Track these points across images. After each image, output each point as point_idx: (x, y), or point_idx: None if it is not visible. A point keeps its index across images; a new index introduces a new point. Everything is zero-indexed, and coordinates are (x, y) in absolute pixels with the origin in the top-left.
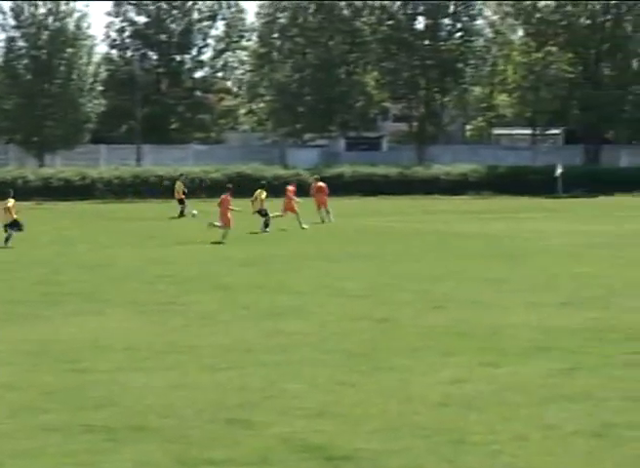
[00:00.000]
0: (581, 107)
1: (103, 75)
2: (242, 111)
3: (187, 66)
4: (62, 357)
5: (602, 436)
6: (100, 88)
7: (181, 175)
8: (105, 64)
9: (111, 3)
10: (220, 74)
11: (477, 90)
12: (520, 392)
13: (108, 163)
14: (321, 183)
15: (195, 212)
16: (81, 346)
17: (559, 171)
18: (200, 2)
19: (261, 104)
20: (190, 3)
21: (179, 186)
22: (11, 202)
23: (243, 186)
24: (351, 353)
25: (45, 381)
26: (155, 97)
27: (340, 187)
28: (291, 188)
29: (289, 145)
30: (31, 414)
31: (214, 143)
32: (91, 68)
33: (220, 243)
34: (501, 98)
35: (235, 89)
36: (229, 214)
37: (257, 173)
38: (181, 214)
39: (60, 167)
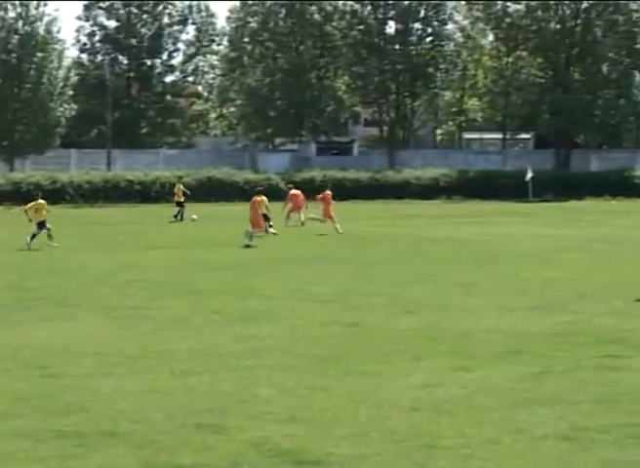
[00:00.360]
0: (552, 112)
1: (74, 79)
2: (213, 115)
3: (158, 71)
4: (33, 362)
5: (572, 440)
6: (71, 92)
7: (180, 177)
8: (76, 69)
9: (81, 7)
10: (190, 78)
11: (448, 94)
12: (491, 396)
13: (79, 167)
14: (295, 191)
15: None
16: (52, 351)
17: (529, 175)
18: (170, 6)
19: (232, 109)
20: (161, 7)
21: (178, 189)
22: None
23: (213, 191)
24: (322, 357)
25: (15, 387)
26: (126, 102)
27: (311, 192)
28: (328, 193)
29: (260, 150)
30: (1, 420)
31: (184, 148)
32: (61, 73)
33: (249, 246)
34: (472, 103)
35: (206, 93)
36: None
37: (227, 177)
38: (180, 218)
39: (30, 171)
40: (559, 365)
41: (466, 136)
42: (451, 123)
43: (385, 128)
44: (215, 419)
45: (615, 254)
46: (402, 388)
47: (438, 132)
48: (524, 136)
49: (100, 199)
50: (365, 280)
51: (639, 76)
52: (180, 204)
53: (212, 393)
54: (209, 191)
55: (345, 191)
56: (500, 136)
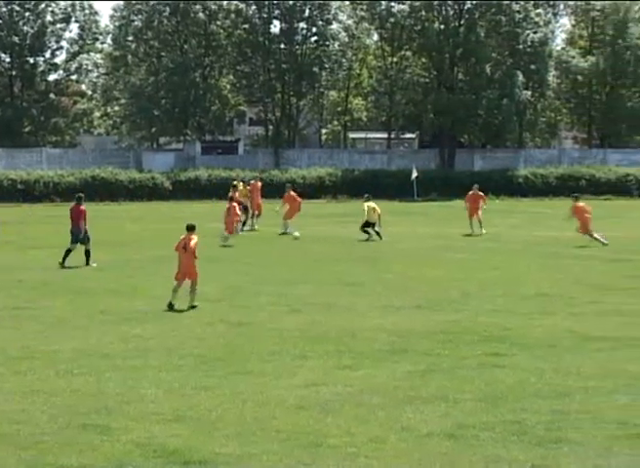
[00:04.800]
0: (436, 112)
1: None
2: (97, 114)
3: (41, 69)
4: None
5: (457, 437)
6: None
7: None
8: None
9: None
10: (74, 77)
11: (333, 94)
12: (376, 394)
13: None
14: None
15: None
16: None
17: (414, 175)
18: (53, 4)
19: (116, 108)
20: (43, 5)
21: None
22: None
23: (98, 190)
24: (208, 357)
25: None
26: (8, 100)
27: (197, 191)
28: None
29: (144, 149)
30: None
31: (68, 147)
32: None
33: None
34: (357, 102)
35: (90, 92)
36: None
37: (112, 176)
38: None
39: None
40: (444, 363)
41: (351, 135)
42: (336, 122)
43: (271, 127)
44: (100, 420)
45: (498, 253)
46: (288, 387)
47: (323, 131)
48: (409, 135)
49: None
50: (251, 279)
51: (522, 76)
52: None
53: (97, 393)
54: (93, 190)
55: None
56: (384, 135)
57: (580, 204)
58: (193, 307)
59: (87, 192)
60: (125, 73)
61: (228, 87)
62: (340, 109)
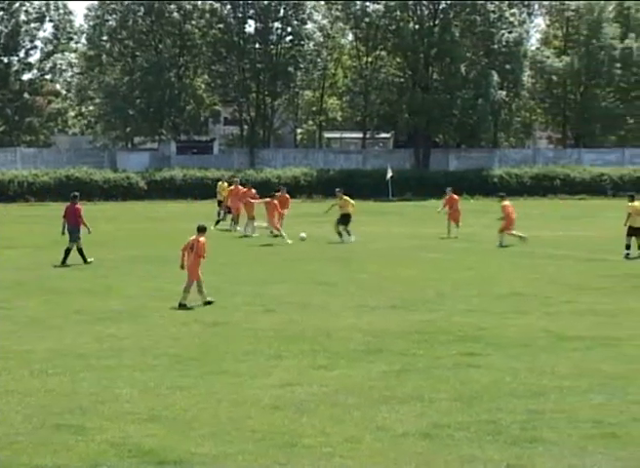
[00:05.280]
0: (411, 111)
1: None
2: (71, 114)
3: (15, 68)
4: None
5: (432, 437)
6: None
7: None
8: None
9: None
10: (48, 76)
11: (308, 93)
12: (351, 394)
13: None
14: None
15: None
16: None
17: (389, 174)
18: (27, 4)
19: (91, 107)
20: (17, 4)
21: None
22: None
23: (72, 189)
24: (183, 357)
25: None
26: None
27: (171, 191)
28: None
29: (119, 149)
30: None
31: (42, 146)
32: None
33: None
34: (332, 102)
35: (64, 91)
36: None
37: (86, 176)
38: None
39: None
40: (419, 363)
41: (326, 135)
42: (311, 122)
43: (246, 127)
44: (75, 420)
45: (473, 253)
46: (263, 387)
47: (298, 131)
48: (383, 135)
49: None
50: (225, 279)
51: (497, 76)
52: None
53: (72, 393)
54: (68, 190)
55: (205, 190)
56: (359, 135)
57: (507, 203)
58: (209, 303)
59: (61, 192)
60: (99, 73)
61: (203, 86)
62: (314, 109)
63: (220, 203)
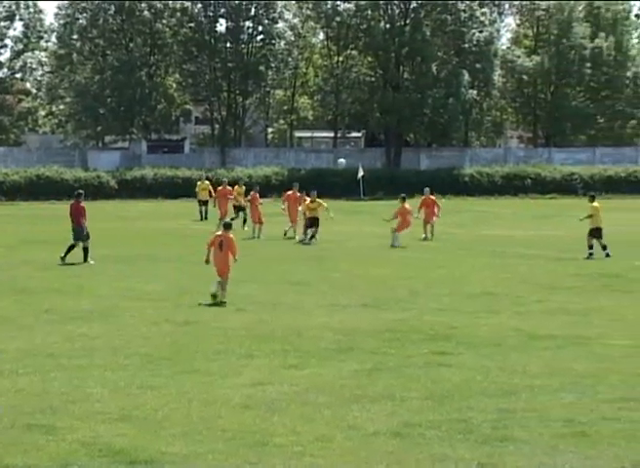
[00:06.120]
0: (382, 111)
1: None
2: (42, 113)
3: None
4: None
5: (403, 436)
6: None
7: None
8: None
9: None
10: (18, 75)
11: (279, 93)
12: (323, 393)
13: None
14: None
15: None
16: None
17: (361, 173)
18: None
19: (61, 106)
20: None
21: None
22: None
23: (43, 189)
24: (153, 356)
25: None
26: None
27: (142, 190)
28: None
29: (90, 148)
30: None
31: (13, 145)
32: None
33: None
34: (303, 101)
35: (34, 90)
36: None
37: (57, 175)
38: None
39: None
40: (390, 361)
41: (298, 134)
42: (282, 121)
43: (217, 126)
44: (45, 419)
45: (445, 252)
46: (234, 386)
47: (269, 130)
48: (355, 134)
49: None
50: (195, 278)
51: (467, 76)
52: (238, 208)
53: (42, 393)
54: (38, 189)
55: (176, 189)
56: (331, 134)
57: (407, 205)
58: (222, 303)
59: (32, 191)
60: (70, 72)
61: (174, 85)
62: (286, 108)
63: (201, 202)
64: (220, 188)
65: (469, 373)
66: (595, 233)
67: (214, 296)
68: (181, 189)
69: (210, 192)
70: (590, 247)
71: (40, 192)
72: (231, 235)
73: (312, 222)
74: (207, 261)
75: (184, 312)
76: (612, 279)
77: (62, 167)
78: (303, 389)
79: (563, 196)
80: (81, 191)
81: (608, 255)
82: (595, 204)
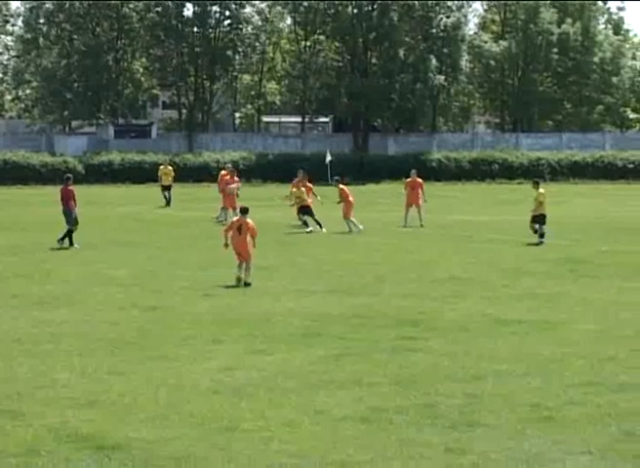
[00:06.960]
0: (349, 96)
1: None
2: (8, 98)
3: None
4: None
5: (371, 421)
6: None
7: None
8: None
9: None
10: None
11: (246, 77)
12: (290, 378)
13: None
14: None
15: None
16: None
17: (328, 158)
18: None
19: (28, 91)
20: None
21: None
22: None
23: (9, 174)
24: (121, 341)
25: None
26: None
27: (109, 175)
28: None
29: (56, 133)
30: None
31: None
32: None
33: None
34: (270, 86)
35: (0, 75)
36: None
37: (23, 160)
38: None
39: None
40: (357, 347)
41: (265, 119)
42: (250, 106)
43: (184, 111)
44: (12, 405)
45: (412, 237)
46: (201, 371)
47: (237, 115)
48: (322, 119)
49: None
50: (163, 263)
51: (435, 61)
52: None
53: (8, 379)
54: (4, 174)
55: (144, 174)
56: (298, 119)
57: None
58: (247, 284)
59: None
60: (36, 56)
61: (141, 70)
62: (253, 93)
63: (164, 188)
64: (223, 173)
65: (437, 358)
66: (539, 219)
67: (238, 279)
68: (149, 174)
69: (172, 178)
70: (536, 231)
71: (6, 177)
72: (249, 219)
73: (305, 211)
74: (226, 245)
75: (152, 297)
76: (578, 264)
77: (29, 152)
78: (272, 374)
79: (530, 181)
80: (70, 175)
81: (542, 243)
82: (541, 190)
